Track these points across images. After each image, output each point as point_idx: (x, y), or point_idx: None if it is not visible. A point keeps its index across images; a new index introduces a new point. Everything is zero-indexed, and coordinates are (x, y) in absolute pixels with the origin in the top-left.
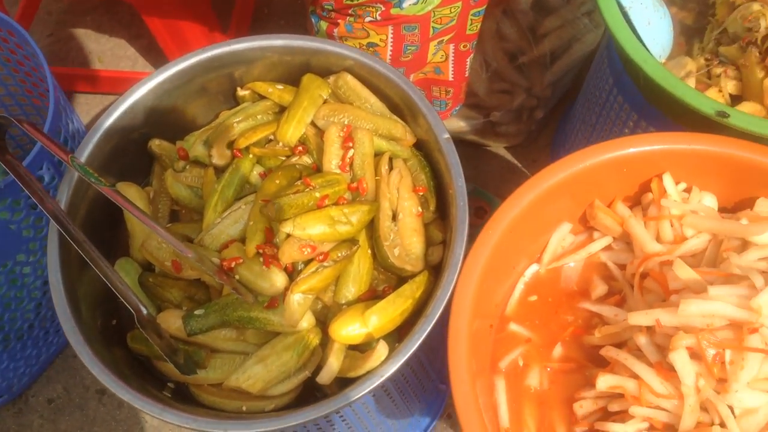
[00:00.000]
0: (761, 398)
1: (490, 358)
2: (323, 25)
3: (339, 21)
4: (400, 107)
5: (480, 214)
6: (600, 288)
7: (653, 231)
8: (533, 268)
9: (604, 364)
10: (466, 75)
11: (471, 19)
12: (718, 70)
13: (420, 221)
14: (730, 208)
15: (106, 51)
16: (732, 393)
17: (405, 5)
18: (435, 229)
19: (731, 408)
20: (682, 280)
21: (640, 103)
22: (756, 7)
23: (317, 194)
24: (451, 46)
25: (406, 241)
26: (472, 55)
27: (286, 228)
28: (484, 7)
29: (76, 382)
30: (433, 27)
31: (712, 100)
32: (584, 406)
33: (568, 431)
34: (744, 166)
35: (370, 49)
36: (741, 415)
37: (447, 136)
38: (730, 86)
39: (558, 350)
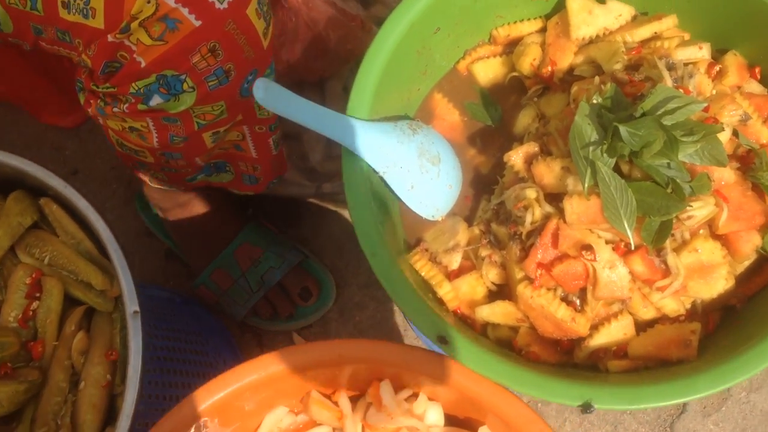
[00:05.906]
0: None
1: None
2: (81, 98)
3: (91, 101)
4: None
5: (305, 296)
6: None
7: None
8: None
9: None
10: (274, 153)
11: (259, 106)
12: (485, 252)
13: (105, 393)
14: (461, 420)
15: None
16: None
17: (152, 103)
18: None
19: None
20: None
21: None
22: (530, 194)
23: None
24: (245, 128)
25: (81, 419)
26: (276, 134)
27: None
28: None
29: None
30: (197, 122)
31: (436, 320)
32: None
33: None
34: (462, 392)
35: (134, 132)
36: None
37: (135, 309)
38: (492, 275)
39: None
